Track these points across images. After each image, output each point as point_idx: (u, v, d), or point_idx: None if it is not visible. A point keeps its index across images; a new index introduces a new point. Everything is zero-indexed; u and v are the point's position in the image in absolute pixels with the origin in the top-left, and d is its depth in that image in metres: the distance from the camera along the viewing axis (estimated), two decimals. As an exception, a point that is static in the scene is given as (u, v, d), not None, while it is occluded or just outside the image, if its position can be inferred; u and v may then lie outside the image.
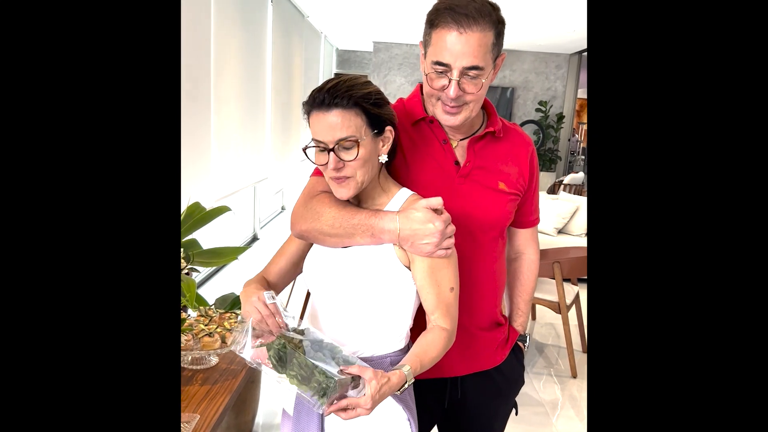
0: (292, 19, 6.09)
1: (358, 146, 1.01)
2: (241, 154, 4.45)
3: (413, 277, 1.08)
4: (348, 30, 7.91)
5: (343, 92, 1.00)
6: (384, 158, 1.08)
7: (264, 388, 2.46)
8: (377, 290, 1.07)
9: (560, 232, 4.88)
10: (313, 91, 1.03)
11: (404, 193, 1.13)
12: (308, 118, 1.05)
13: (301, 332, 1.00)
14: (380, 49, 8.63)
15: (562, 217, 4.80)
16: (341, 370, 0.92)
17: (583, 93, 9.07)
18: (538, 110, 8.57)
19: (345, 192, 1.06)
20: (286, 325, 1.02)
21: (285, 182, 6.69)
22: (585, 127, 9.45)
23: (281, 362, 0.93)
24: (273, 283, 1.22)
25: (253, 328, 1.00)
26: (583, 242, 4.65)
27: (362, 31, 7.80)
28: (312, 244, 1.20)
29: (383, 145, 1.08)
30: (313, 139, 1.05)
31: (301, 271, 1.22)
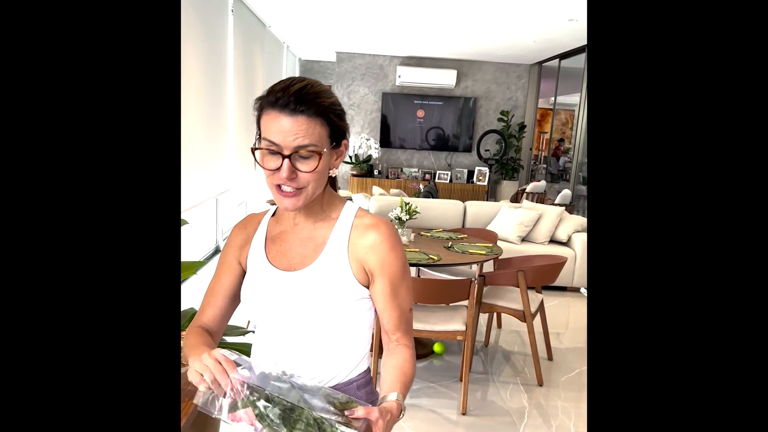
0: (253, 30, 6.03)
1: (319, 158, 0.94)
2: (203, 166, 4.36)
3: (371, 296, 1.05)
4: (310, 40, 7.88)
5: (311, 99, 0.92)
6: (335, 172, 1.04)
7: (226, 406, 2.38)
8: (336, 312, 1.02)
9: (523, 240, 4.93)
10: (274, 88, 0.94)
11: (351, 207, 1.09)
12: (260, 114, 0.96)
13: (283, 377, 0.89)
14: (343, 59, 8.63)
15: (525, 225, 4.85)
16: (348, 418, 0.85)
17: (543, 103, 9.24)
18: (500, 120, 8.69)
19: (292, 203, 0.98)
20: (245, 379, 0.85)
21: (248, 194, 6.58)
22: (546, 136, 9.61)
23: (286, 421, 0.82)
24: (214, 330, 1.11)
25: (210, 389, 0.83)
26: (546, 250, 4.71)
27: (325, 41, 7.79)
28: (245, 272, 1.12)
29: (336, 158, 1.02)
30: (264, 139, 0.95)
31: (238, 305, 1.13)
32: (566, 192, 6.72)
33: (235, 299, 1.14)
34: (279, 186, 0.96)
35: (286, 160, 0.93)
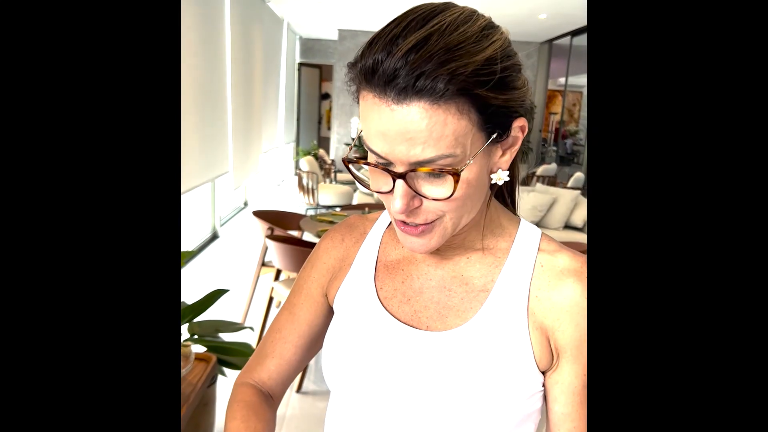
0: (251, 4, 5.73)
1: (457, 178, 0.52)
2: (199, 148, 4.10)
3: (548, 389, 0.62)
4: (311, 16, 7.57)
5: (436, 64, 0.47)
6: (503, 176, 0.58)
7: (219, 410, 2.17)
8: (495, 412, 0.58)
9: (536, 226, 4.69)
10: (371, 45, 0.52)
11: (530, 232, 0.66)
12: (357, 96, 0.54)
13: None
14: (346, 38, 8.31)
15: (539, 209, 4.60)
16: None
17: (552, 84, 8.94)
18: (508, 100, 8.41)
19: (422, 245, 0.58)
20: None
21: (247, 178, 6.34)
22: (556, 118, 9.32)
23: None
24: (276, 392, 0.74)
25: None
26: (561, 236, 4.46)
27: (327, 17, 7.48)
28: (332, 309, 0.73)
29: (503, 155, 0.57)
30: (363, 142, 0.55)
31: (315, 354, 0.76)
32: (579, 175, 6.47)
33: (313, 348, 0.75)
34: (400, 221, 0.58)
35: (400, 182, 0.53)
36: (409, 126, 0.49)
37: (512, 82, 0.53)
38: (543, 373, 0.62)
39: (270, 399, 0.73)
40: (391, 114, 0.49)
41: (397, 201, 0.53)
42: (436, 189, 0.53)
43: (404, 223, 0.57)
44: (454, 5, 0.53)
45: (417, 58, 0.47)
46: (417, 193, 0.53)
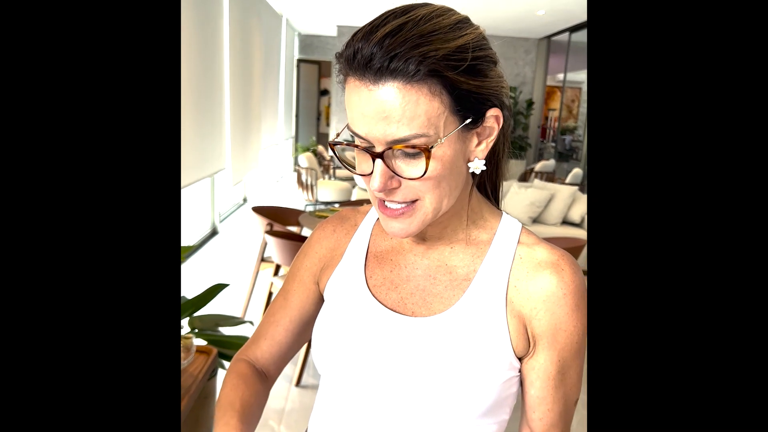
0: None
1: (429, 155, 0.56)
2: (196, 144, 4.12)
3: (525, 374, 0.66)
4: (310, 12, 7.57)
5: (408, 47, 0.53)
6: (479, 165, 0.62)
7: (219, 404, 2.18)
8: (473, 394, 0.62)
9: (534, 221, 4.70)
10: (356, 35, 0.56)
11: (511, 225, 0.69)
12: (344, 85, 0.59)
13: None
14: (345, 34, 8.31)
15: (536, 205, 4.62)
16: None
17: (551, 80, 8.94)
18: (507, 97, 8.42)
19: (402, 228, 0.62)
20: None
21: (246, 174, 6.35)
22: (555, 114, 9.33)
23: None
24: (268, 369, 0.78)
25: None
26: (559, 232, 4.49)
27: (325, 13, 7.48)
28: (322, 297, 0.77)
29: (479, 144, 0.61)
30: (348, 127, 0.60)
31: (308, 340, 0.79)
32: (577, 171, 6.48)
33: (304, 333, 0.79)
34: (380, 200, 0.62)
35: (379, 162, 0.57)
36: (385, 105, 0.54)
37: (484, 71, 0.58)
38: (520, 359, 0.66)
39: (263, 375, 0.78)
40: (369, 94, 0.55)
41: (375, 179, 0.58)
42: (412, 169, 0.57)
43: (385, 206, 0.61)
44: (432, 4, 0.58)
45: (391, 42, 0.53)
46: (394, 173, 0.58)
